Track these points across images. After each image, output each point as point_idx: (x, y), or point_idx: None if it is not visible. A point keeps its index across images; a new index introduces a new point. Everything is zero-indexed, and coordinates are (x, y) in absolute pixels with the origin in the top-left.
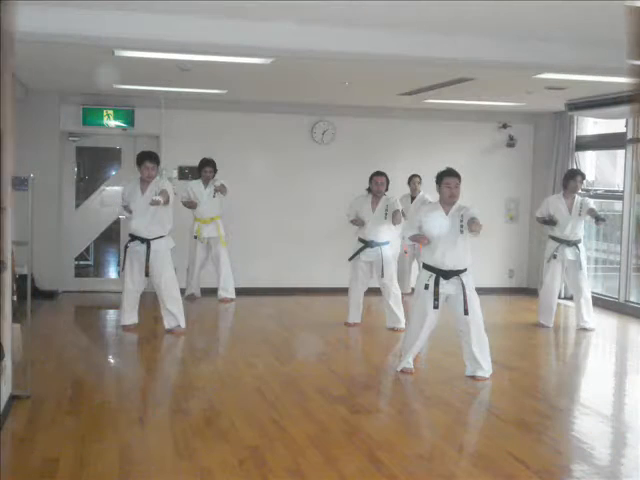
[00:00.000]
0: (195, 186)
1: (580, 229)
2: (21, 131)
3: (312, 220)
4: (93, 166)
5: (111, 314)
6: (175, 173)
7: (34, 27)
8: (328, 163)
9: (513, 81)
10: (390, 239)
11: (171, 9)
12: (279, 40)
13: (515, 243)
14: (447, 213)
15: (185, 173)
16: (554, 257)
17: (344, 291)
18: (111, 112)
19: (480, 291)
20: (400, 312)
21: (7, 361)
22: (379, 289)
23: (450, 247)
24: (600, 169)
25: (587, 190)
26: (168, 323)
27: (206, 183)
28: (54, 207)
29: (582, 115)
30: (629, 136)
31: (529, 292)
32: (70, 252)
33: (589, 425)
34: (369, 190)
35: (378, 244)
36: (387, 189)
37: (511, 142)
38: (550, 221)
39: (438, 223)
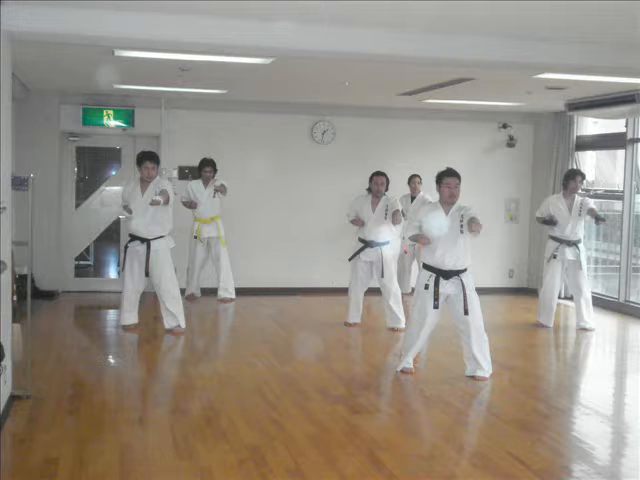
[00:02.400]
0: (195, 186)
1: (580, 229)
2: (21, 131)
3: (312, 220)
4: (93, 166)
5: (111, 314)
6: (175, 173)
7: (34, 27)
8: (328, 163)
9: (513, 81)
10: (390, 239)
11: (171, 9)
12: (279, 40)
13: (515, 243)
14: (447, 213)
15: (185, 173)
16: (554, 257)
17: (344, 291)
18: (111, 112)
19: (480, 291)
20: (400, 312)
21: (7, 361)
22: (379, 289)
23: (450, 247)
24: (600, 169)
25: (587, 190)
26: (168, 323)
27: (206, 183)
28: (54, 207)
29: (582, 115)
30: (629, 136)
31: (529, 292)
32: (70, 252)
33: (589, 425)
34: (369, 190)
35: (378, 244)
36: (387, 189)
37: (511, 142)
38: (550, 221)
39: (438, 223)
